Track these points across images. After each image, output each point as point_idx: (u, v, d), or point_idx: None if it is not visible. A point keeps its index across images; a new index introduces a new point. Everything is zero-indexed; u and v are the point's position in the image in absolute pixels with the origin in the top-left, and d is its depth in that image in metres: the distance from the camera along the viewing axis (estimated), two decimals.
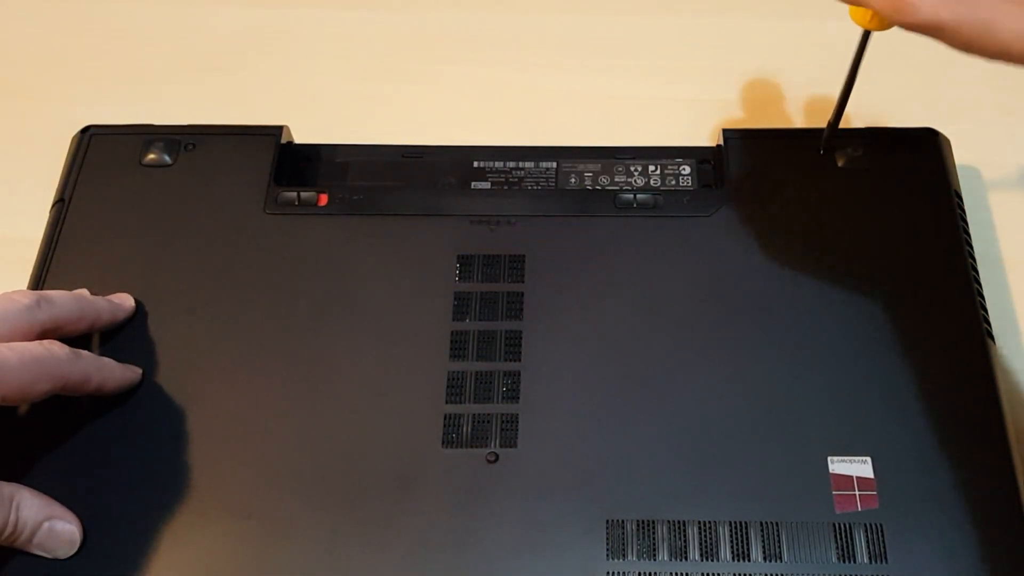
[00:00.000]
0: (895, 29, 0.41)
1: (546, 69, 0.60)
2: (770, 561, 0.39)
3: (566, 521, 0.40)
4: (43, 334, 0.42)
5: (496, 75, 0.60)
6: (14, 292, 0.42)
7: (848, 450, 0.42)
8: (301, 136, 0.53)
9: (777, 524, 0.40)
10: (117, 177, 0.50)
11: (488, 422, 0.43)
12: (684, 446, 0.42)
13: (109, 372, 0.43)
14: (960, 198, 0.49)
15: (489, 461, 0.42)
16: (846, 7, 0.41)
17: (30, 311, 0.41)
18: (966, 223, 0.48)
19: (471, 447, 0.42)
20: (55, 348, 0.40)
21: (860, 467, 0.41)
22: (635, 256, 0.47)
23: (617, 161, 0.51)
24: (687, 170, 0.51)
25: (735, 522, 0.40)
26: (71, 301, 0.43)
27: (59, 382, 0.40)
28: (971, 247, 0.47)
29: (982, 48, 0.36)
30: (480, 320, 0.45)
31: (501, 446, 0.42)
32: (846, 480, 0.41)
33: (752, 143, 0.50)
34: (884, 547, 0.39)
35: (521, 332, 0.45)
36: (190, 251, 0.47)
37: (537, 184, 0.51)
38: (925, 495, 0.40)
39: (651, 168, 0.51)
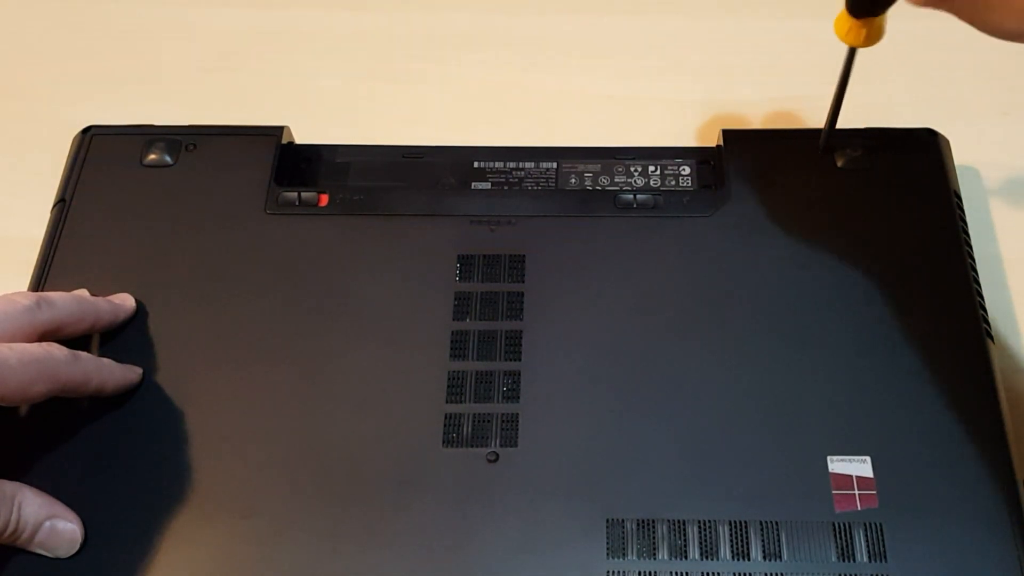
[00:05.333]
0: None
1: (546, 69, 0.60)
2: (770, 560, 0.39)
3: (566, 520, 0.40)
4: (44, 335, 0.42)
5: (496, 75, 0.60)
6: (14, 293, 0.42)
7: (848, 450, 0.42)
8: (301, 136, 0.53)
9: (777, 523, 0.40)
10: (118, 177, 0.50)
11: (488, 422, 0.43)
12: (684, 445, 0.42)
13: (109, 373, 0.43)
14: (960, 198, 0.49)
15: (489, 461, 0.42)
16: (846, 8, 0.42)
17: (31, 312, 0.41)
18: (966, 223, 0.48)
19: (471, 447, 0.42)
20: (54, 350, 0.40)
21: (860, 467, 0.41)
22: (635, 256, 0.47)
23: (617, 161, 0.51)
24: (687, 170, 0.51)
25: (735, 521, 0.40)
26: (72, 302, 0.43)
27: (58, 383, 0.40)
28: (971, 247, 0.47)
29: (980, 29, 0.37)
30: (480, 320, 0.45)
31: (501, 446, 0.42)
32: (846, 479, 0.41)
33: (752, 143, 0.50)
34: (884, 547, 0.40)
35: (521, 332, 0.45)
36: (191, 251, 0.47)
37: (537, 184, 0.51)
38: (925, 495, 0.41)
39: (651, 168, 0.51)
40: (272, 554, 0.40)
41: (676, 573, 0.39)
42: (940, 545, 0.39)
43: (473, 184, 0.51)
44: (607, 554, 0.40)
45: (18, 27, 0.63)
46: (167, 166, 0.50)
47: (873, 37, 0.42)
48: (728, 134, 0.51)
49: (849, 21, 0.42)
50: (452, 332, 0.45)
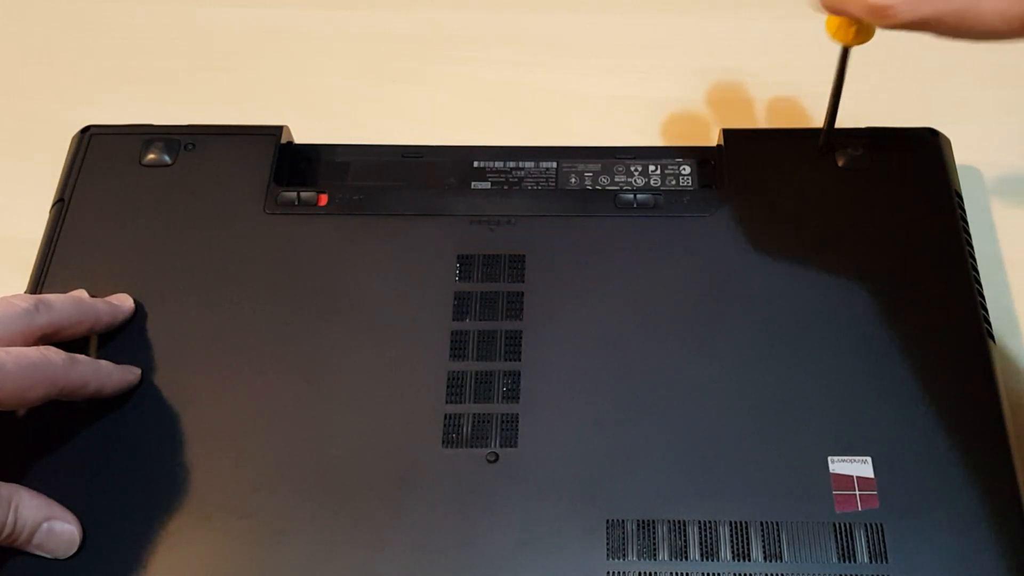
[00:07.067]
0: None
1: (546, 69, 0.60)
2: (770, 561, 0.39)
3: (566, 521, 0.40)
4: (42, 339, 0.42)
5: (496, 75, 0.60)
6: (13, 296, 0.42)
7: (848, 450, 0.42)
8: (301, 136, 0.53)
9: (777, 524, 0.40)
10: (117, 177, 0.50)
11: (488, 422, 0.43)
12: (684, 446, 0.42)
13: (107, 376, 0.42)
14: (960, 198, 0.49)
15: (489, 461, 0.42)
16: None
17: (29, 316, 0.41)
18: (966, 223, 0.48)
19: (471, 447, 0.42)
20: (51, 354, 0.40)
21: (860, 467, 0.41)
22: (635, 256, 0.47)
23: (617, 161, 0.51)
24: (687, 170, 0.51)
25: (735, 522, 0.40)
26: (70, 305, 0.43)
27: (55, 387, 0.40)
28: (971, 247, 0.47)
29: (969, 33, 0.36)
30: (480, 320, 0.45)
31: (501, 446, 0.42)
32: (846, 480, 0.41)
33: (752, 143, 0.50)
34: (884, 547, 0.39)
35: (521, 332, 0.45)
36: (190, 251, 0.47)
37: (537, 184, 0.51)
38: (925, 495, 0.40)
39: (651, 168, 0.51)
40: (271, 554, 0.40)
41: (676, 574, 0.39)
42: (940, 545, 0.39)
43: (473, 184, 0.51)
44: (607, 555, 0.40)
45: (18, 27, 0.63)
46: (166, 166, 0.50)
47: (863, 35, 0.42)
48: (728, 134, 0.51)
49: (839, 19, 0.42)
50: (452, 332, 0.45)
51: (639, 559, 0.40)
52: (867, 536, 0.40)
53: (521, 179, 0.51)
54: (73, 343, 0.43)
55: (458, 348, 0.45)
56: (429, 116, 0.58)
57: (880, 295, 0.45)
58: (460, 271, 0.47)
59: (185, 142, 0.51)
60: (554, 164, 0.51)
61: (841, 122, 0.48)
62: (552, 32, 0.62)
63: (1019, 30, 0.36)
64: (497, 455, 0.42)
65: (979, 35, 0.36)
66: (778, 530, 0.40)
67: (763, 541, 0.40)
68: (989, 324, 0.45)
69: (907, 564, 0.39)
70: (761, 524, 0.40)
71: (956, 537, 0.39)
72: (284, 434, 0.43)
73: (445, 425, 0.43)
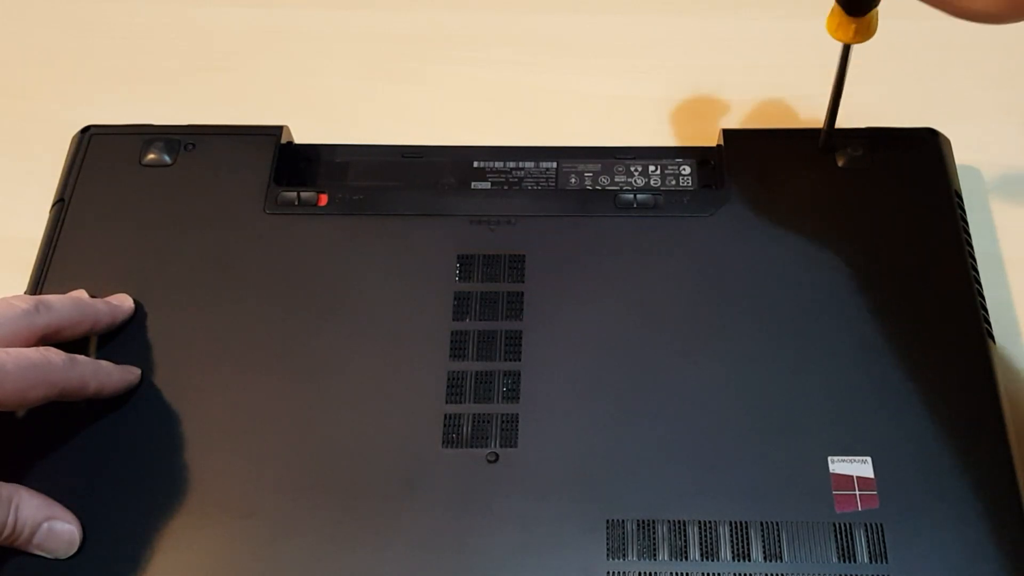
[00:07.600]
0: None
1: (546, 69, 0.60)
2: (770, 561, 0.39)
3: (566, 521, 0.40)
4: (42, 339, 0.42)
5: (496, 75, 0.60)
6: (13, 297, 0.42)
7: (848, 450, 0.42)
8: (301, 136, 0.53)
9: (777, 524, 0.40)
10: (117, 177, 0.50)
11: (488, 422, 0.43)
12: (684, 446, 0.42)
13: (107, 376, 0.42)
14: (960, 198, 0.49)
15: (489, 461, 0.42)
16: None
17: (29, 316, 0.41)
18: (966, 223, 0.48)
19: (471, 447, 0.42)
20: (51, 355, 0.40)
21: (860, 467, 0.41)
22: (635, 256, 0.47)
23: (617, 161, 0.51)
24: (687, 170, 0.51)
25: (735, 522, 0.40)
26: (70, 305, 0.43)
27: (55, 388, 0.40)
28: (971, 247, 0.47)
29: (961, 14, 0.36)
30: (480, 320, 0.45)
31: (501, 446, 0.42)
32: (846, 480, 0.41)
33: (752, 143, 0.50)
34: (884, 547, 0.39)
35: (521, 332, 0.45)
36: (190, 251, 0.47)
37: (537, 184, 0.51)
38: (925, 495, 0.40)
39: (651, 168, 0.51)
40: (271, 554, 0.40)
41: (677, 574, 0.39)
42: (940, 545, 0.39)
43: (473, 184, 0.51)
44: (607, 555, 0.40)
45: (19, 27, 0.63)
46: (166, 166, 0.50)
47: (863, 33, 0.42)
48: (728, 134, 0.51)
49: (839, 17, 0.42)
50: (452, 332, 0.45)
51: (639, 559, 0.40)
52: (867, 536, 0.40)
53: (521, 179, 0.51)
54: (73, 343, 0.43)
55: (458, 348, 0.45)
56: (429, 116, 0.58)
57: (880, 295, 0.45)
58: (460, 271, 0.47)
59: (185, 142, 0.51)
60: (554, 164, 0.51)
61: (841, 122, 0.48)
62: (552, 32, 0.62)
63: (1008, 14, 0.36)
64: (497, 455, 0.42)
65: (960, 14, 0.36)
66: (778, 530, 0.40)
67: (763, 541, 0.40)
68: (989, 324, 0.45)
69: (907, 564, 0.39)
70: (761, 524, 0.40)
71: (956, 537, 0.40)
72: (284, 434, 0.43)
73: (445, 425, 0.43)
